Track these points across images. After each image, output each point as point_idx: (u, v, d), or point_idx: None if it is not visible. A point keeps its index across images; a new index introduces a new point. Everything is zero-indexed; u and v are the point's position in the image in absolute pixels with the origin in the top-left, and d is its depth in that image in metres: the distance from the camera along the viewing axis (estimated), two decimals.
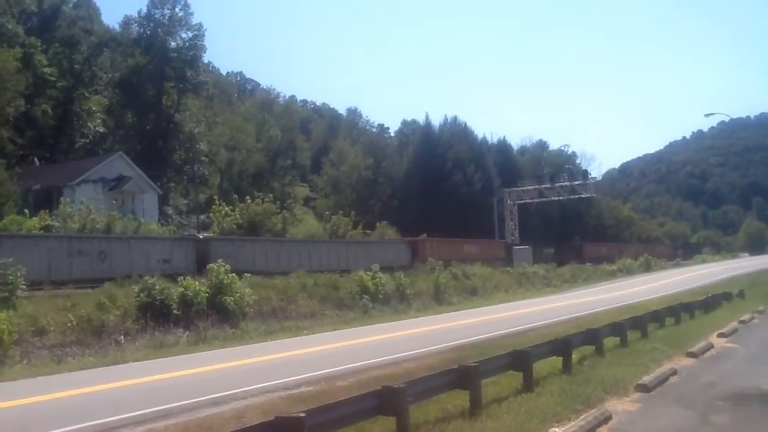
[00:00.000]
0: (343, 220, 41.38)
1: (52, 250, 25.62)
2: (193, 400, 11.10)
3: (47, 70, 56.42)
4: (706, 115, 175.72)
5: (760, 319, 23.48)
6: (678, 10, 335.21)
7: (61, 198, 36.55)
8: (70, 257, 25.98)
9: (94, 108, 62.65)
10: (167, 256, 29.82)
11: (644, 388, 11.46)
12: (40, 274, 23.03)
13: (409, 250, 48.66)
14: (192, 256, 30.61)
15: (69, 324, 18.46)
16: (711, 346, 16.64)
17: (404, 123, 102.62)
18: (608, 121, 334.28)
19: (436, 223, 64.59)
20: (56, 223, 30.35)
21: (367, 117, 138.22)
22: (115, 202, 42.26)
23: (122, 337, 19.15)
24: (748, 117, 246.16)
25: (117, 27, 71.95)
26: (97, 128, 62.61)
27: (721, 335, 18.56)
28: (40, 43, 57.37)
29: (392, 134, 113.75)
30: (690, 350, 15.49)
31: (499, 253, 60.74)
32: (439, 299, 34.95)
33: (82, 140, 62.15)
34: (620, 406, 10.37)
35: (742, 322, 21.87)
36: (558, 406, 9.91)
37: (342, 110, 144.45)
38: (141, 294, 21.04)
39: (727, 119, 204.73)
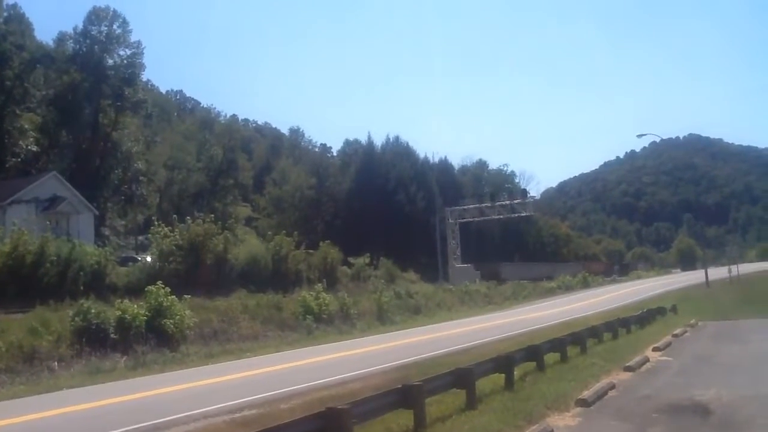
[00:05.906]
0: (285, 240, 40.94)
1: None
2: (133, 427, 10.80)
3: None
4: (638, 136, 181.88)
5: (691, 332, 24.30)
6: (611, 36, 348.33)
7: None
8: None
9: (26, 126, 60.58)
10: None
11: (584, 403, 11.66)
12: None
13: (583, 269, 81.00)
14: None
15: None
16: (647, 360, 17.11)
17: (346, 143, 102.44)
18: (546, 141, 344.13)
19: (380, 242, 64.68)
20: None
21: (309, 136, 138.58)
22: (48, 223, 40.82)
23: (56, 363, 18.44)
24: (677, 137, 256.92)
25: (51, 43, 69.94)
26: (29, 147, 60.50)
27: (656, 349, 19.10)
28: None
29: (335, 154, 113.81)
30: (627, 364, 15.87)
31: None
32: (382, 319, 34.92)
33: (14, 159, 59.94)
34: (561, 421, 10.52)
35: (675, 335, 22.57)
36: (501, 423, 9.99)
37: (284, 130, 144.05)
38: (76, 318, 20.36)
39: (657, 140, 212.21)
